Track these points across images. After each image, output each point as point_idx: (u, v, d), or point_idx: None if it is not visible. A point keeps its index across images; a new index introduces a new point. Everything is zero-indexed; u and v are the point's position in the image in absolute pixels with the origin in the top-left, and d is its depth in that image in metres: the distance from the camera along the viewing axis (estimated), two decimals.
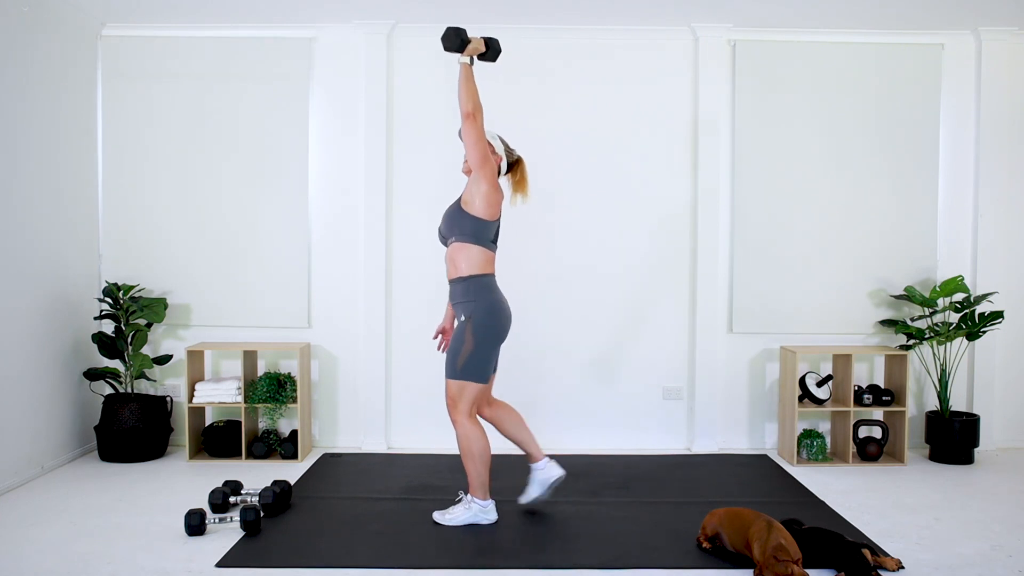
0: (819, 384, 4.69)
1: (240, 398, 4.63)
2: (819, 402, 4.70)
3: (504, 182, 3.72)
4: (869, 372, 5.02)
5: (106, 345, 4.61)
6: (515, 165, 3.72)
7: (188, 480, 4.23)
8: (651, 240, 4.94)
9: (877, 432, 4.86)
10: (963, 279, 4.66)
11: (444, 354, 3.67)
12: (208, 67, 4.89)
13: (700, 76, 4.88)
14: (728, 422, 4.98)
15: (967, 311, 4.66)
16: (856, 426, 4.65)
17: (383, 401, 4.89)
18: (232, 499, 3.73)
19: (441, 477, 4.24)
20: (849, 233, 4.95)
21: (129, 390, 4.69)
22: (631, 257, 4.94)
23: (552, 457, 3.72)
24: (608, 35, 4.89)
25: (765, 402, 4.99)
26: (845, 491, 4.09)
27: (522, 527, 3.53)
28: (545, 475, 3.63)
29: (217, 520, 3.51)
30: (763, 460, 4.71)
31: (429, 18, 4.74)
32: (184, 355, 4.71)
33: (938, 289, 4.66)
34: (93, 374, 4.63)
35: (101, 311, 4.78)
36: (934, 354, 4.78)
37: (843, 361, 4.71)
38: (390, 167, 4.89)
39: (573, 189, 4.90)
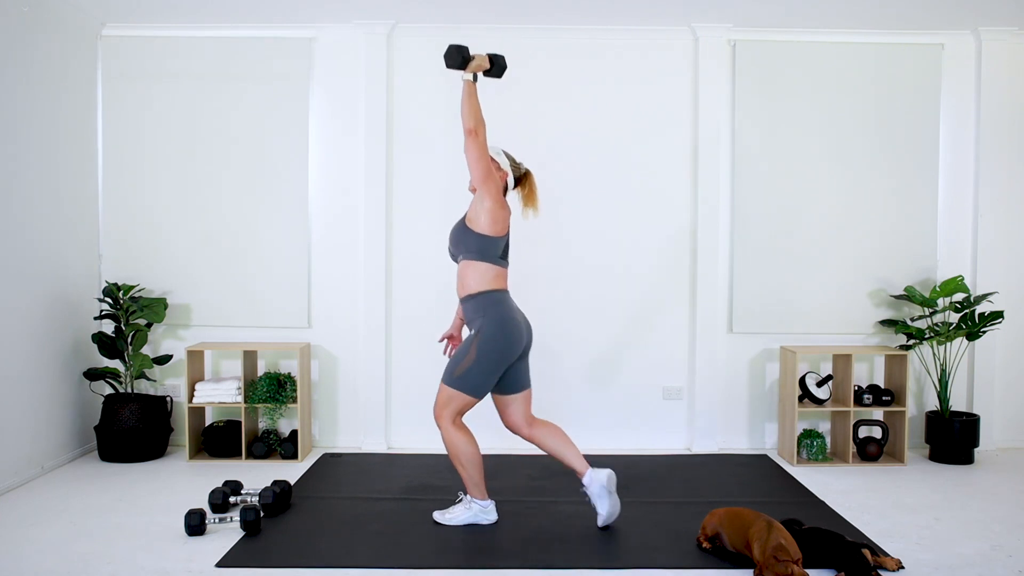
0: (819, 384, 4.69)
1: (240, 398, 4.63)
2: (819, 402, 4.70)
3: (513, 196, 3.69)
4: (869, 372, 5.02)
5: (106, 345, 4.61)
6: (523, 179, 3.67)
7: (188, 480, 4.23)
8: (651, 240, 4.94)
9: (877, 432, 4.86)
10: (963, 279, 4.66)
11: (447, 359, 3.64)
12: (208, 67, 4.89)
13: (700, 76, 4.88)
14: (728, 422, 4.98)
15: (967, 311, 4.66)
16: (856, 426, 4.65)
17: (383, 401, 4.90)
18: (232, 499, 3.73)
19: (441, 477, 4.24)
20: (849, 233, 4.95)
21: (129, 390, 4.69)
22: (631, 257, 4.94)
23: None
24: (608, 35, 4.89)
25: (765, 402, 4.99)
26: (845, 491, 4.09)
27: (522, 527, 3.53)
28: (597, 486, 3.49)
29: (217, 520, 3.51)
30: (763, 460, 4.72)
31: (429, 18, 4.75)
32: (184, 355, 4.72)
33: (938, 289, 4.66)
34: (93, 374, 4.63)
35: (101, 311, 4.79)
36: (934, 354, 4.78)
37: (843, 361, 4.71)
38: (390, 167, 4.89)
39: (572, 189, 4.90)
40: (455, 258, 3.60)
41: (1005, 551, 3.27)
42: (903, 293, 4.86)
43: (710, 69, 4.88)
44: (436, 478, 4.23)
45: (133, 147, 4.91)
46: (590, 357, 4.95)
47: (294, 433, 4.80)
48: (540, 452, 3.84)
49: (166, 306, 4.74)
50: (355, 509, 3.75)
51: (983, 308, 4.80)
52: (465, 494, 3.62)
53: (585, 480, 3.53)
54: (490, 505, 3.57)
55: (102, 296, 4.73)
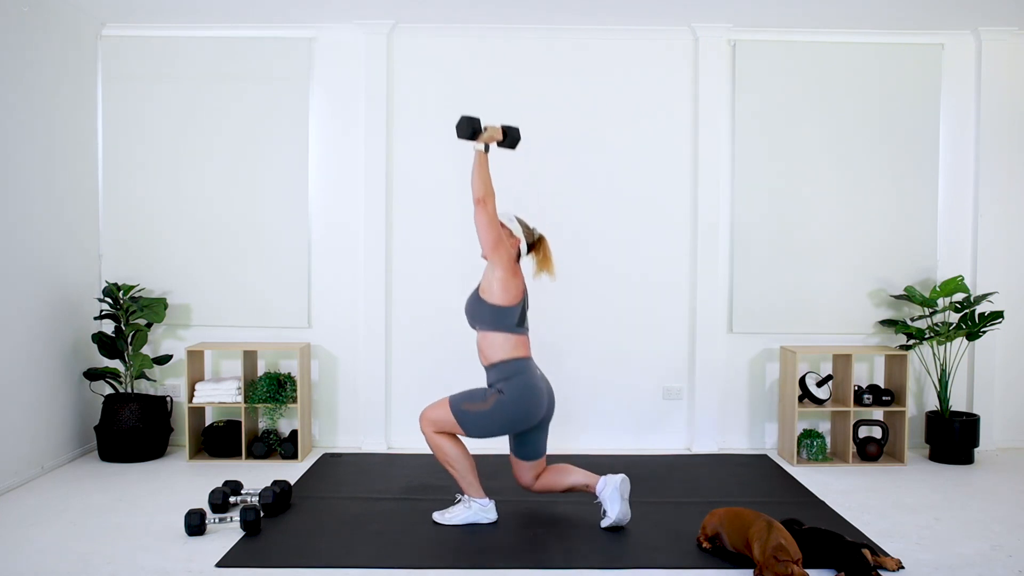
0: (819, 384, 4.69)
1: (240, 398, 4.63)
2: (819, 402, 4.70)
3: (528, 260, 3.66)
4: (869, 372, 5.02)
5: (106, 345, 4.61)
6: (537, 244, 3.65)
7: (188, 480, 4.23)
8: (651, 240, 4.94)
9: (877, 432, 4.86)
10: (963, 279, 4.66)
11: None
12: (208, 67, 4.89)
13: (700, 76, 4.88)
14: (728, 422, 4.98)
15: (967, 311, 4.66)
16: (856, 426, 4.65)
17: (383, 401, 4.90)
18: (232, 499, 3.73)
19: (441, 477, 4.23)
20: (849, 233, 4.95)
21: (129, 390, 4.69)
22: (631, 257, 4.94)
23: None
24: (608, 35, 4.89)
25: (765, 402, 4.99)
26: (845, 491, 4.09)
27: (522, 527, 3.53)
28: (611, 488, 3.48)
29: (217, 520, 3.51)
30: (763, 460, 4.71)
31: (429, 18, 4.75)
32: (184, 355, 4.72)
33: (938, 289, 4.66)
34: (93, 374, 4.63)
35: (101, 311, 4.78)
36: (934, 354, 4.78)
37: (843, 361, 4.71)
38: (390, 167, 4.89)
39: (571, 189, 4.90)
40: (473, 327, 3.62)
41: (1005, 551, 3.27)
42: (903, 293, 4.86)
43: (710, 69, 4.88)
44: (436, 478, 4.23)
45: (133, 147, 4.91)
46: (590, 357, 4.94)
47: (294, 433, 4.80)
48: None
49: (166, 306, 4.74)
50: (355, 509, 3.75)
51: (983, 308, 4.80)
52: (464, 494, 3.61)
53: (599, 486, 3.52)
54: (490, 504, 3.57)
55: (102, 296, 4.73)
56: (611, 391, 4.95)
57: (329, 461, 4.61)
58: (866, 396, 4.65)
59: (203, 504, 3.76)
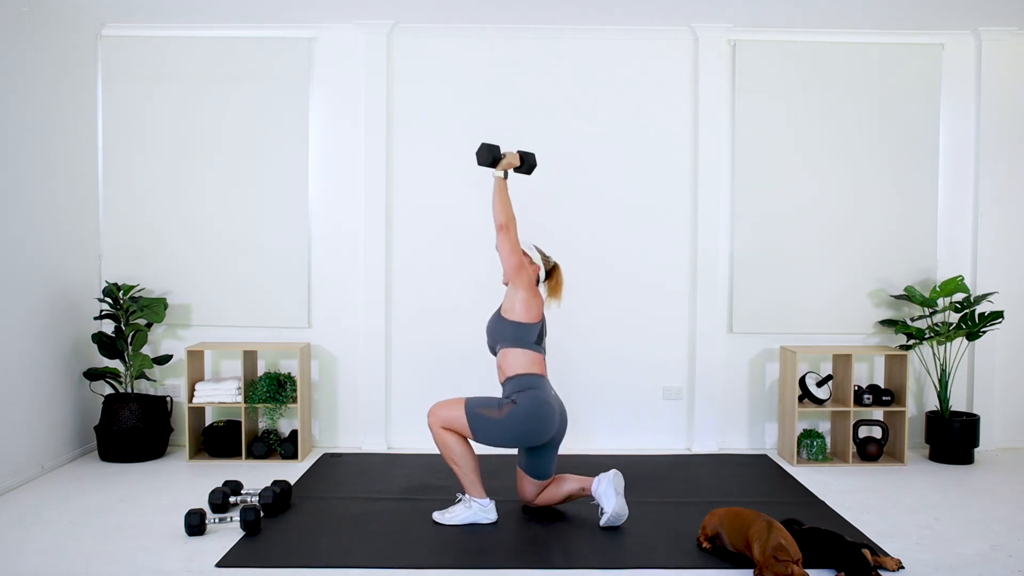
0: (819, 384, 4.69)
1: (240, 398, 4.63)
2: (819, 402, 4.70)
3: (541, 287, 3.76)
4: (869, 372, 5.02)
5: (106, 345, 4.61)
6: (552, 272, 3.78)
7: (188, 480, 4.23)
8: (651, 240, 4.94)
9: (877, 432, 4.86)
10: (963, 279, 4.66)
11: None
12: (208, 67, 4.89)
13: (700, 76, 4.88)
14: (728, 422, 4.98)
15: (967, 311, 4.66)
16: (856, 426, 4.65)
17: (383, 401, 4.90)
18: (232, 499, 3.73)
19: (441, 477, 4.24)
20: (849, 233, 4.95)
21: (129, 390, 4.69)
22: (630, 257, 4.94)
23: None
24: (608, 35, 4.89)
25: (765, 402, 4.99)
26: (845, 491, 4.09)
27: (522, 527, 3.53)
28: (605, 483, 3.51)
29: (217, 520, 3.51)
30: (763, 460, 4.71)
31: (429, 18, 4.75)
32: (184, 355, 4.72)
33: (938, 289, 4.66)
34: (93, 374, 4.63)
35: (101, 311, 4.78)
36: (934, 354, 4.78)
37: (843, 361, 4.71)
38: (390, 167, 4.89)
39: (571, 188, 4.90)
40: (494, 350, 3.68)
41: (1005, 551, 3.27)
42: (903, 293, 4.86)
43: (710, 69, 4.88)
44: (436, 478, 4.23)
45: (133, 147, 4.91)
46: (591, 357, 4.94)
47: (294, 433, 4.80)
48: None
49: (166, 306, 4.74)
50: (355, 509, 3.75)
51: (983, 308, 4.80)
52: (464, 494, 3.62)
53: (593, 486, 3.55)
54: (490, 504, 3.57)
55: (102, 296, 4.73)
56: (611, 391, 4.96)
57: (329, 461, 4.61)
58: (866, 396, 4.65)
59: (203, 504, 3.76)
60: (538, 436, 3.48)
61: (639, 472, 4.37)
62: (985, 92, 4.91)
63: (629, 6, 4.53)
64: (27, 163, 4.24)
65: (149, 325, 4.75)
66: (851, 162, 4.94)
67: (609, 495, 3.48)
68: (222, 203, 4.91)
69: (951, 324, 4.72)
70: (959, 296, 4.88)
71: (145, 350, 4.89)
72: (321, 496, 3.94)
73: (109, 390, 4.80)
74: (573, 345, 4.93)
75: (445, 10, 4.61)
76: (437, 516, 3.58)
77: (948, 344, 4.73)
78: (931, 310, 4.78)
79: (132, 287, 4.74)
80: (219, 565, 3.08)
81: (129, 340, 4.65)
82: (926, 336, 4.70)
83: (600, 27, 4.86)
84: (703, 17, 4.72)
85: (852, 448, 4.64)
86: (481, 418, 3.45)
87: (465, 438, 3.53)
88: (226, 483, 3.80)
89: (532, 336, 3.59)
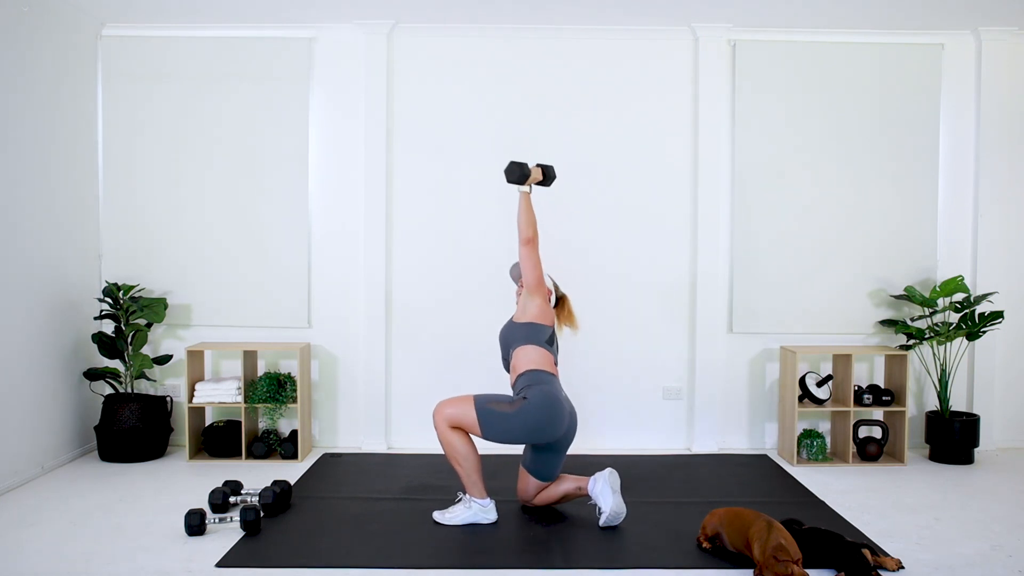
0: (819, 384, 4.69)
1: (240, 398, 4.63)
2: (819, 402, 4.70)
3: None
4: (869, 372, 5.02)
5: (106, 345, 4.61)
6: (561, 302, 3.85)
7: (188, 480, 4.23)
8: (651, 240, 4.94)
9: (877, 432, 4.86)
10: (963, 279, 4.66)
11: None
12: (208, 67, 4.89)
13: (700, 76, 4.88)
14: (728, 422, 4.98)
15: (967, 311, 4.66)
16: (856, 426, 4.65)
17: (383, 401, 4.90)
18: (232, 499, 3.73)
19: (441, 477, 4.24)
20: (849, 233, 4.95)
21: (129, 390, 4.69)
22: (630, 257, 4.94)
23: None
24: (608, 35, 4.89)
25: (765, 402, 4.99)
26: (845, 491, 4.09)
27: (522, 527, 3.53)
28: (601, 483, 3.52)
29: (217, 520, 3.51)
30: (763, 460, 4.71)
31: (429, 18, 4.75)
32: (184, 355, 4.72)
33: (938, 289, 4.66)
34: (93, 374, 4.63)
35: (101, 311, 4.78)
36: (934, 354, 4.78)
37: (843, 361, 4.71)
38: (390, 167, 4.89)
39: (571, 188, 4.89)
40: (507, 363, 3.72)
41: (1005, 551, 3.27)
42: (903, 293, 4.86)
43: (710, 69, 4.88)
44: (436, 478, 4.23)
45: (133, 147, 4.91)
46: (590, 357, 4.94)
47: (294, 433, 4.80)
48: None
49: (166, 306, 4.74)
50: (355, 509, 3.75)
51: (983, 308, 4.80)
52: (464, 494, 3.62)
53: (589, 486, 3.56)
54: (490, 504, 3.57)
55: (102, 296, 4.73)
56: (611, 391, 4.96)
57: (329, 461, 4.61)
58: (866, 396, 4.65)
59: (203, 504, 3.76)
60: (549, 432, 3.46)
61: (639, 472, 4.37)
62: (985, 92, 4.91)
63: (629, 6, 4.53)
64: (27, 163, 4.24)
65: (149, 325, 4.75)
66: (851, 162, 4.94)
67: (606, 494, 3.48)
68: (222, 203, 4.91)
69: (951, 324, 4.72)
70: (959, 296, 4.88)
71: (145, 350, 4.89)
72: (321, 496, 3.94)
73: (109, 390, 4.80)
74: (574, 345, 4.92)
75: (445, 10, 4.61)
76: (437, 516, 3.58)
77: (948, 344, 4.73)
78: (931, 310, 4.78)
79: (132, 287, 4.74)
80: (219, 565, 3.08)
81: (129, 340, 4.65)
82: (926, 336, 4.70)
83: (600, 27, 4.87)
84: (703, 17, 4.72)
85: (852, 448, 4.64)
86: (492, 413, 3.43)
87: (470, 439, 3.52)
88: (226, 483, 3.80)
89: (544, 335, 3.63)
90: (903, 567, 3.07)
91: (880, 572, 3.03)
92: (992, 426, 4.93)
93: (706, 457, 4.76)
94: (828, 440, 4.90)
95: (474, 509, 3.54)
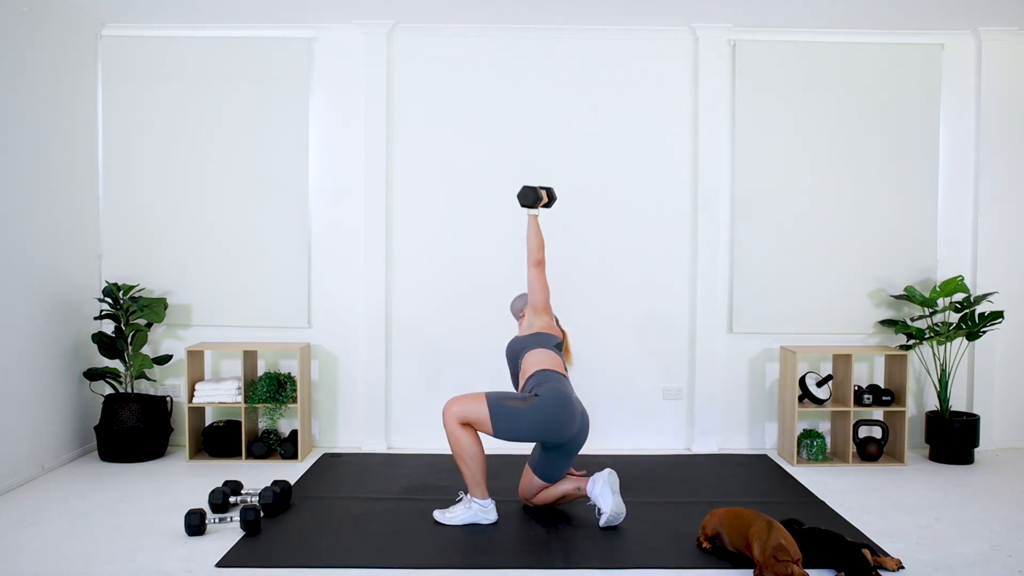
0: (819, 384, 4.69)
1: (240, 398, 4.63)
2: (819, 402, 4.70)
3: None
4: (869, 372, 5.02)
5: (106, 345, 4.61)
6: (562, 335, 3.88)
7: (188, 480, 4.23)
8: (650, 239, 4.94)
9: (877, 432, 4.86)
10: (963, 279, 4.66)
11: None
12: (208, 67, 4.89)
13: (700, 76, 4.88)
14: (728, 422, 4.98)
15: (967, 311, 4.66)
16: (856, 426, 4.65)
17: (383, 401, 4.90)
18: (232, 499, 3.73)
19: (441, 477, 4.24)
20: (849, 233, 4.95)
21: (129, 390, 4.69)
22: (630, 257, 4.94)
23: None
24: (608, 35, 4.89)
25: (765, 402, 4.99)
26: (845, 491, 4.09)
27: (522, 527, 3.53)
28: (600, 484, 3.51)
29: (217, 520, 3.51)
30: (763, 460, 4.72)
31: (429, 18, 4.75)
32: (184, 355, 4.72)
33: (938, 289, 4.66)
34: (93, 374, 4.63)
35: (101, 311, 4.78)
36: (934, 354, 4.78)
37: (843, 361, 4.71)
38: (390, 167, 4.89)
39: (570, 188, 4.88)
40: (515, 374, 3.74)
41: (1005, 551, 3.27)
42: (903, 293, 4.86)
43: (710, 69, 4.88)
44: (436, 478, 4.23)
45: (133, 147, 4.91)
46: (591, 357, 4.94)
47: (294, 433, 4.80)
48: None
49: (166, 306, 4.74)
50: (355, 509, 3.75)
51: (983, 308, 4.80)
52: (466, 493, 3.62)
53: (588, 487, 3.55)
54: (490, 504, 3.57)
55: (102, 296, 4.73)
56: (611, 391, 4.95)
57: (329, 461, 4.61)
58: (866, 396, 4.65)
59: (203, 504, 3.76)
60: (560, 430, 3.44)
61: (639, 472, 4.37)
62: (985, 92, 4.91)
63: (629, 6, 4.53)
64: (27, 163, 4.24)
65: (149, 325, 4.75)
66: (851, 162, 4.94)
67: (605, 495, 3.47)
68: (222, 203, 4.91)
69: (951, 324, 4.72)
70: (959, 296, 4.88)
71: (145, 350, 4.89)
72: (321, 496, 3.94)
73: (109, 390, 4.80)
74: (573, 345, 4.92)
75: (445, 10, 4.61)
76: (437, 515, 3.58)
77: (948, 344, 4.73)
78: (931, 310, 4.78)
79: (132, 287, 4.74)
80: (219, 565, 3.08)
81: (129, 340, 4.65)
82: (926, 336, 4.70)
83: (600, 27, 4.86)
84: (703, 17, 4.72)
85: (852, 448, 4.64)
86: (505, 408, 3.41)
87: (479, 438, 3.51)
88: (226, 483, 3.80)
89: (552, 342, 3.69)
90: (903, 567, 3.07)
91: (880, 572, 3.03)
92: (992, 426, 4.93)
93: (706, 457, 4.76)
94: (828, 440, 4.90)
95: (474, 509, 3.54)
